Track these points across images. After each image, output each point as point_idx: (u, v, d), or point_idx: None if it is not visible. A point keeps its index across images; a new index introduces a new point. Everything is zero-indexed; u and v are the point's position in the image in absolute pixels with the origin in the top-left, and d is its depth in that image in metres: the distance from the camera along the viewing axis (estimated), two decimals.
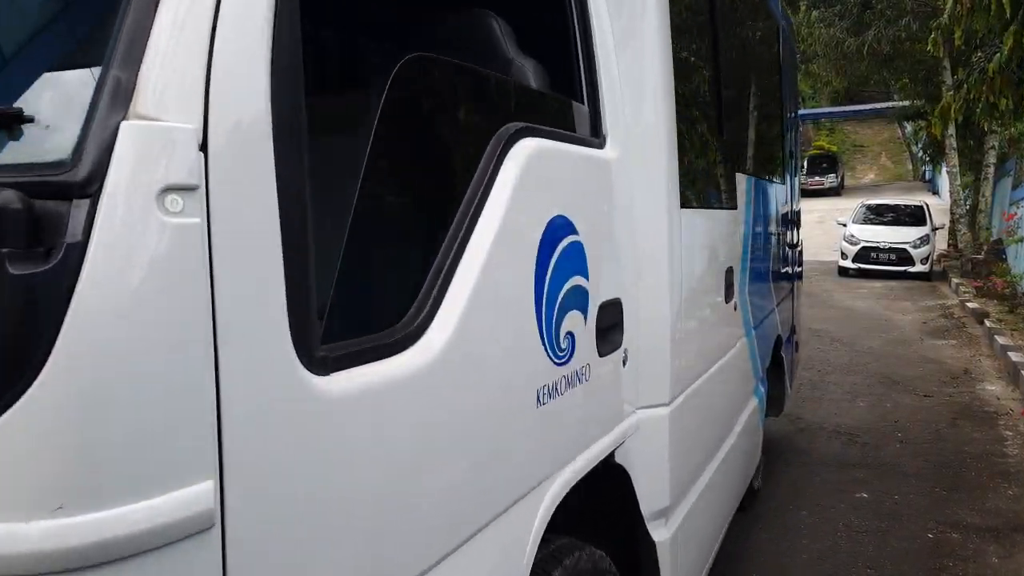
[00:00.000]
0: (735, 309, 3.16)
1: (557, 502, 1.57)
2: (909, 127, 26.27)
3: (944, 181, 19.19)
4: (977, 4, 5.85)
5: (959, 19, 6.17)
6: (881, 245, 14.79)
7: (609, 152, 1.90)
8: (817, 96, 32.82)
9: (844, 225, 15.72)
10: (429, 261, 1.26)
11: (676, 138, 2.17)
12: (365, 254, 1.22)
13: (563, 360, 1.59)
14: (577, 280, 1.65)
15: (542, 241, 1.50)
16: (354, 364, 1.06)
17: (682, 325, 2.28)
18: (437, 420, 1.23)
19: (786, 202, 4.87)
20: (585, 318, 1.70)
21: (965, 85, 7.00)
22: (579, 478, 1.67)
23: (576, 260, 1.65)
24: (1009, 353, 7.45)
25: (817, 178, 28.18)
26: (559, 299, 1.56)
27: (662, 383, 2.14)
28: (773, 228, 4.28)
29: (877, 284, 13.78)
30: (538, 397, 1.50)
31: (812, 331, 8.94)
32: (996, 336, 8.33)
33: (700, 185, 2.64)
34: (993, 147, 15.38)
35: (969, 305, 10.73)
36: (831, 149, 33.29)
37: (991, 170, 15.66)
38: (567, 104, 1.81)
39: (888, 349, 8.62)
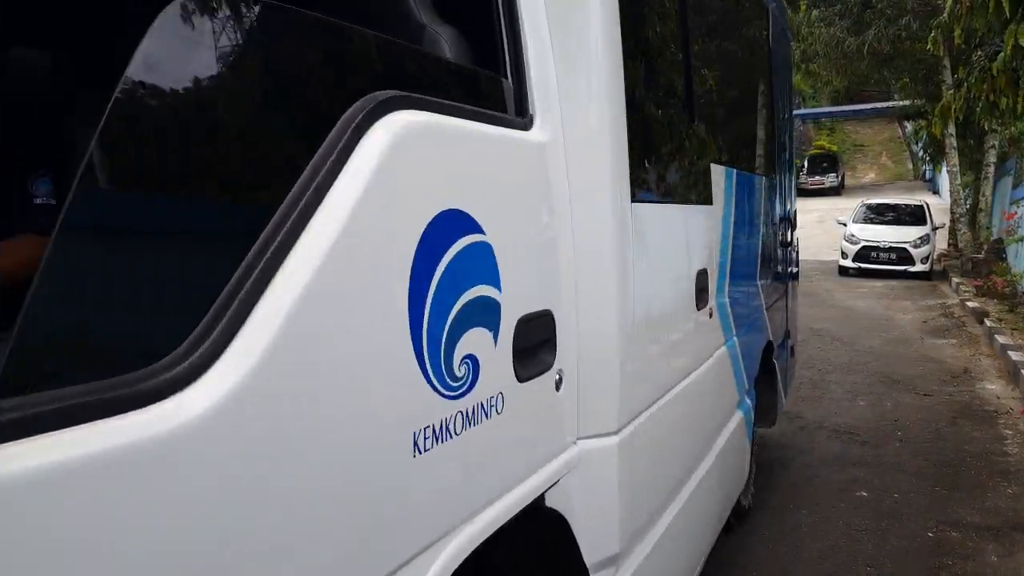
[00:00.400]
0: (711, 316, 2.83)
1: (451, 570, 1.24)
2: (909, 126, 26.02)
3: (944, 180, 18.96)
4: (977, 3, 5.80)
5: (959, 18, 6.12)
6: (881, 244, 14.71)
7: (537, 134, 1.58)
8: (817, 96, 32.63)
9: (844, 224, 15.64)
10: (223, 273, 0.90)
11: (625, 122, 1.84)
12: (104, 264, 0.85)
13: (459, 392, 1.26)
14: (481, 290, 1.32)
15: (423, 242, 1.16)
16: (56, 427, 0.71)
17: (635, 338, 1.93)
18: (214, 509, 0.85)
19: (777, 198, 4.52)
20: (495, 336, 1.37)
21: (966, 84, 6.93)
22: (486, 536, 1.34)
23: (480, 265, 1.32)
24: (1009, 352, 7.35)
25: (817, 177, 28.17)
26: (452, 315, 1.23)
27: (609, 408, 1.80)
28: (760, 226, 3.92)
29: (877, 283, 13.70)
30: (416, 443, 1.16)
31: (813, 331, 8.99)
32: (996, 335, 8.22)
33: (661, 176, 2.31)
34: (993, 146, 15.29)
35: (969, 304, 10.61)
36: (831, 149, 33.07)
37: (991, 169, 15.54)
38: (476, 75, 1.48)
39: (888, 348, 8.51)
